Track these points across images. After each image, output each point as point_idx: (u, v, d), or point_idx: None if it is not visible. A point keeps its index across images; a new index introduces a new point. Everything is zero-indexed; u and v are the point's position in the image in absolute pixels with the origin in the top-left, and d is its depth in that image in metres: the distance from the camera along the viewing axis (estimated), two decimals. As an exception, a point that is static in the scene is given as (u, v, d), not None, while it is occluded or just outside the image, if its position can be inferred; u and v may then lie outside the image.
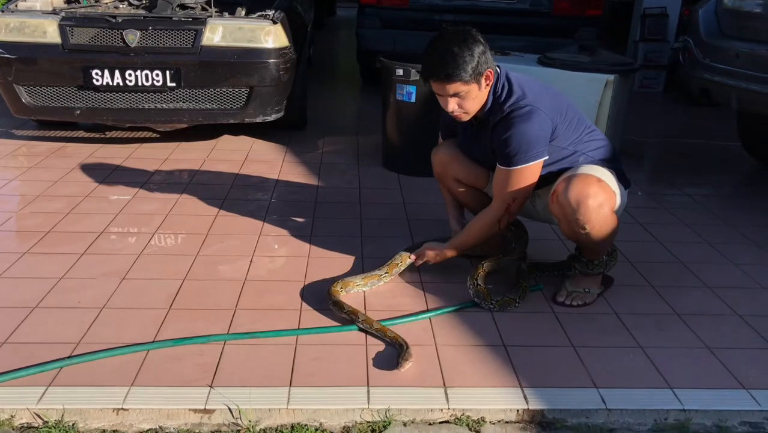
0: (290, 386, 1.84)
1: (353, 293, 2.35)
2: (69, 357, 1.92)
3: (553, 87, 2.32)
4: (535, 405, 1.81)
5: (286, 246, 2.76)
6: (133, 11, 3.93)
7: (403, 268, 2.47)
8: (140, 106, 3.80)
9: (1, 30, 3.65)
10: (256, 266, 2.55)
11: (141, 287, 2.36)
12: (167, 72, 3.69)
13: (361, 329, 2.12)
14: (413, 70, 3.43)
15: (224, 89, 3.80)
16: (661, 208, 3.38)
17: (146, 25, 3.68)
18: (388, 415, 1.77)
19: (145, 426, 1.74)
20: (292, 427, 1.75)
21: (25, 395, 1.77)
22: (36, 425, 1.72)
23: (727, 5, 3.60)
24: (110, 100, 3.78)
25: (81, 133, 4.27)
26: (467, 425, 1.77)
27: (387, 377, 1.90)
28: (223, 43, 3.72)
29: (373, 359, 1.98)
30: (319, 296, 2.33)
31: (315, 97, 5.30)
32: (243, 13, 3.94)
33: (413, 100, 3.53)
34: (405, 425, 1.76)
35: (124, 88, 3.72)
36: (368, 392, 1.83)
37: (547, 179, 2.28)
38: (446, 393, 1.84)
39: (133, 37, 3.65)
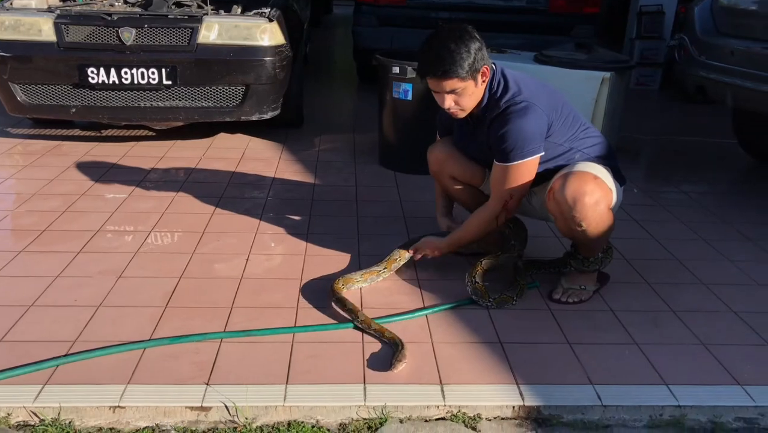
0: (287, 383, 1.84)
1: (353, 289, 2.35)
2: (65, 355, 1.92)
3: (549, 84, 2.33)
4: (531, 402, 1.81)
5: (282, 244, 2.76)
6: (128, 9, 3.92)
7: (402, 263, 2.47)
8: (136, 105, 3.80)
9: (-4, 28, 3.65)
10: (253, 264, 2.56)
11: (137, 285, 2.36)
12: (163, 70, 3.68)
13: (358, 328, 2.12)
14: (410, 68, 3.43)
15: (220, 87, 3.80)
16: (657, 206, 3.39)
17: (142, 23, 3.67)
18: (384, 412, 1.77)
19: (142, 424, 1.74)
20: (289, 424, 1.75)
21: (21, 394, 1.76)
22: (32, 423, 1.72)
23: (723, 3, 3.61)
24: (106, 98, 3.77)
25: (77, 132, 4.26)
26: (463, 421, 1.78)
27: (383, 374, 1.90)
28: (219, 41, 3.72)
29: (369, 356, 1.98)
30: (316, 293, 2.33)
31: (311, 95, 5.29)
32: (239, 10, 3.94)
33: (410, 97, 3.53)
34: (401, 422, 1.77)
35: (119, 87, 3.71)
36: (365, 389, 1.83)
37: (543, 176, 2.28)
38: (442, 390, 1.84)
39: (128, 35, 3.64)
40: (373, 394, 1.81)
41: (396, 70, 3.50)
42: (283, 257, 2.64)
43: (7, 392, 1.78)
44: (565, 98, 2.31)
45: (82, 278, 2.39)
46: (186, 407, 1.76)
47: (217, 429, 1.73)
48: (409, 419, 1.78)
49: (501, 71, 2.24)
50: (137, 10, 3.90)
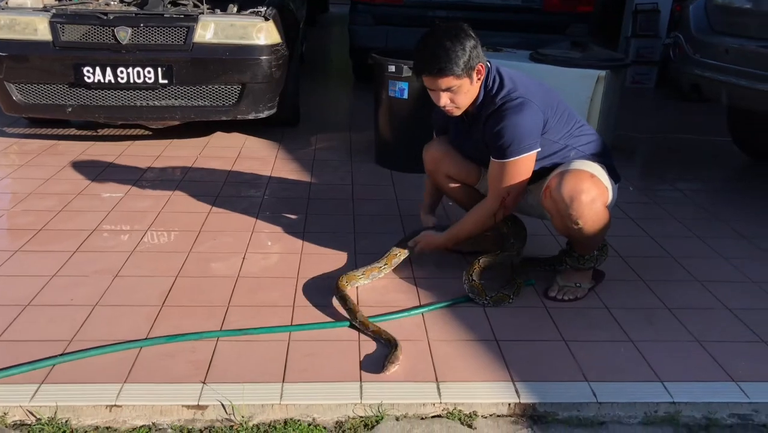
0: (283, 381, 1.85)
1: (356, 286, 2.36)
2: (62, 354, 1.92)
3: (545, 83, 2.34)
4: (526, 399, 1.82)
5: (279, 243, 2.77)
6: (124, 8, 3.92)
7: (402, 259, 2.48)
8: (132, 104, 3.80)
9: (-9, 27, 3.64)
10: (249, 263, 2.56)
11: (133, 285, 2.36)
12: (159, 69, 3.68)
13: (355, 328, 2.12)
14: (405, 67, 3.43)
15: (216, 86, 3.80)
16: (652, 204, 3.40)
17: (138, 22, 3.66)
18: (380, 410, 1.78)
19: (138, 423, 1.74)
20: (285, 422, 1.75)
21: (17, 393, 1.77)
22: (29, 422, 1.72)
23: (717, 1, 3.62)
24: (102, 97, 3.77)
25: (73, 131, 4.25)
26: (459, 419, 1.78)
27: (379, 372, 1.90)
28: (215, 40, 3.72)
29: (365, 355, 1.99)
30: (312, 292, 2.34)
31: (307, 94, 5.29)
32: (235, 9, 3.93)
33: (405, 96, 3.54)
34: (397, 419, 1.77)
35: (115, 86, 3.71)
36: (361, 387, 1.84)
37: (538, 174, 2.29)
38: (438, 388, 1.85)
39: (124, 35, 3.64)
40: (369, 392, 1.82)
41: (392, 68, 3.51)
42: (280, 256, 2.64)
43: (3, 391, 1.78)
44: (560, 96, 2.32)
45: (79, 278, 2.39)
46: (182, 406, 1.76)
47: (213, 428, 1.74)
48: (405, 416, 1.78)
49: (496, 69, 2.25)
50: (133, 9, 3.89)
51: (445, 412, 1.80)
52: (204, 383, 1.83)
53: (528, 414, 1.81)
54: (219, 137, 4.25)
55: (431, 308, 2.26)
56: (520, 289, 2.35)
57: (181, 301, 2.26)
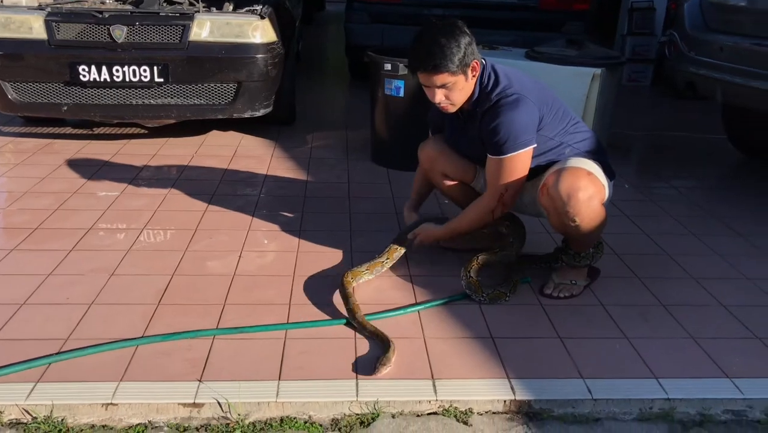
0: (279, 379, 1.85)
1: (362, 282, 2.37)
2: (58, 353, 1.92)
3: (540, 81, 2.34)
4: (522, 396, 1.82)
5: (275, 241, 2.77)
6: (120, 6, 3.91)
7: (402, 253, 2.50)
8: (128, 102, 3.79)
9: (-14, 26, 3.63)
10: (245, 261, 2.56)
11: (129, 283, 2.36)
12: (155, 68, 3.68)
13: (351, 326, 2.12)
14: (401, 65, 3.44)
15: (212, 85, 3.79)
16: (647, 201, 3.41)
17: (133, 21, 3.66)
18: (376, 407, 1.78)
19: (135, 421, 1.74)
20: (282, 420, 1.76)
21: (13, 391, 1.77)
22: (25, 420, 1.72)
23: (712, -1, 3.63)
24: (97, 96, 3.76)
25: (68, 130, 4.24)
26: (455, 416, 1.79)
27: (371, 374, 1.90)
28: (211, 39, 3.71)
29: (361, 353, 1.99)
30: (309, 290, 2.34)
31: (304, 93, 5.29)
32: (231, 8, 3.93)
33: (401, 94, 3.54)
34: (393, 417, 1.78)
35: (111, 84, 3.70)
36: (357, 384, 1.84)
37: (534, 172, 2.29)
38: (434, 385, 1.85)
39: (120, 33, 3.63)
40: (365, 389, 1.82)
41: (388, 66, 3.51)
42: (276, 254, 2.64)
43: (-1, 390, 1.78)
44: (555, 94, 2.32)
45: (75, 276, 2.39)
46: (178, 404, 1.76)
47: (209, 425, 1.74)
48: (401, 414, 1.79)
49: (491, 66, 2.26)
50: (128, 7, 3.88)
51: (441, 409, 1.80)
52: (200, 381, 1.83)
53: (523, 411, 1.81)
54: (215, 136, 4.25)
55: (427, 305, 2.27)
56: (517, 286, 2.36)
57: (177, 299, 2.26)
